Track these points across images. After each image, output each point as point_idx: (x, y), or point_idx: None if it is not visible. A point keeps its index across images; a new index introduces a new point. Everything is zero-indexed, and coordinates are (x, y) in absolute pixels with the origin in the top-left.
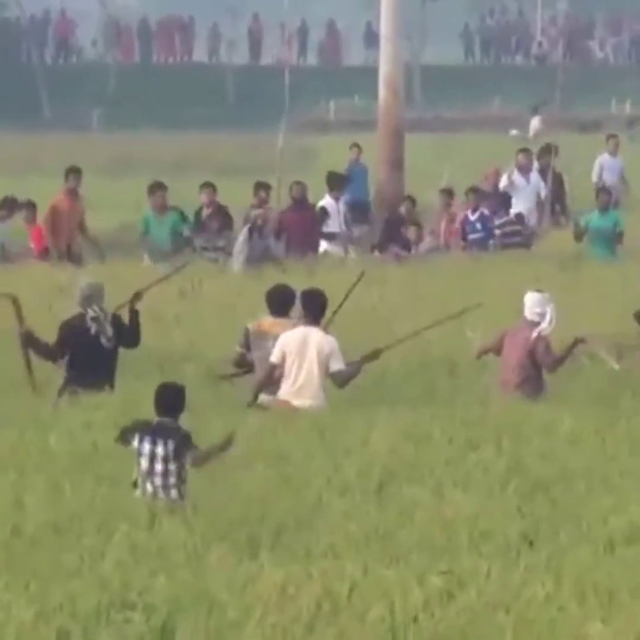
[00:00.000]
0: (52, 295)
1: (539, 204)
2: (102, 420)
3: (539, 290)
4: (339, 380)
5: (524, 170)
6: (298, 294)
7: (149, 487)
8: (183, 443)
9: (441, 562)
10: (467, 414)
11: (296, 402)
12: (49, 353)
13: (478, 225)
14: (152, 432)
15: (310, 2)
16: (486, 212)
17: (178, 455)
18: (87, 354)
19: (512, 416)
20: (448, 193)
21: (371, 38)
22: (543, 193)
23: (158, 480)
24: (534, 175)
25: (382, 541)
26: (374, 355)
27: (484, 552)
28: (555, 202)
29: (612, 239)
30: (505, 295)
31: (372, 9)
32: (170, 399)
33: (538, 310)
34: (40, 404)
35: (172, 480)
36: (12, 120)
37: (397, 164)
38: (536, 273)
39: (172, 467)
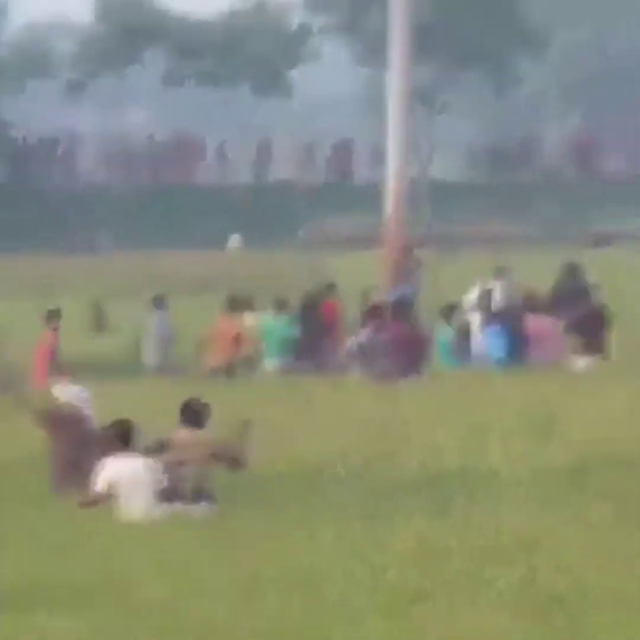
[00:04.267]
0: None
1: None
2: None
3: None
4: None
5: None
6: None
7: None
8: None
9: None
10: (482, 526)
11: None
12: None
13: None
14: None
15: (318, 118)
16: None
17: None
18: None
19: (527, 529)
20: None
21: (378, 154)
22: None
23: None
24: None
25: None
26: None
27: None
28: None
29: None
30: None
31: (380, 124)
32: None
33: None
34: None
35: None
36: (19, 244)
37: (403, 277)
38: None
39: None
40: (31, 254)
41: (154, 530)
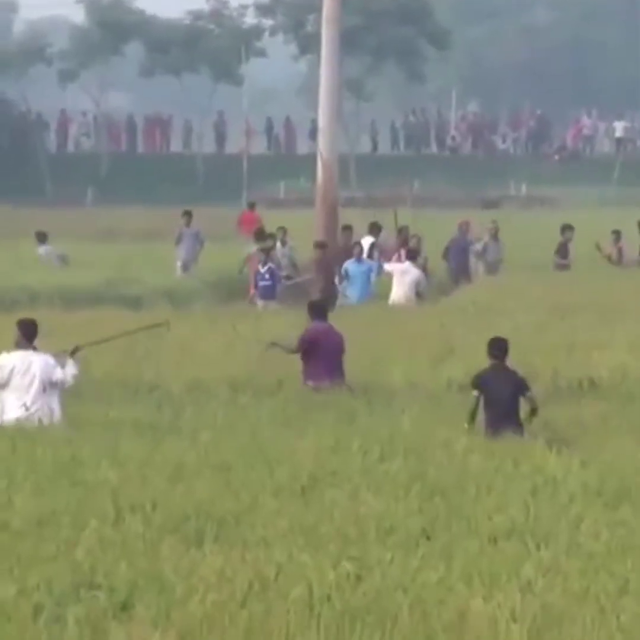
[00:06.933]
0: None
1: None
2: (80, 437)
3: None
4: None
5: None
6: None
7: None
8: None
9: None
10: (379, 432)
11: None
12: None
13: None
14: None
15: (264, 103)
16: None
17: None
18: None
19: (416, 435)
20: None
21: (315, 132)
22: None
23: None
24: None
25: (305, 533)
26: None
27: (388, 543)
28: None
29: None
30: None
31: (315, 108)
32: None
33: None
34: None
35: None
36: (20, 198)
37: (330, 231)
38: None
39: None
40: (21, 206)
41: None
